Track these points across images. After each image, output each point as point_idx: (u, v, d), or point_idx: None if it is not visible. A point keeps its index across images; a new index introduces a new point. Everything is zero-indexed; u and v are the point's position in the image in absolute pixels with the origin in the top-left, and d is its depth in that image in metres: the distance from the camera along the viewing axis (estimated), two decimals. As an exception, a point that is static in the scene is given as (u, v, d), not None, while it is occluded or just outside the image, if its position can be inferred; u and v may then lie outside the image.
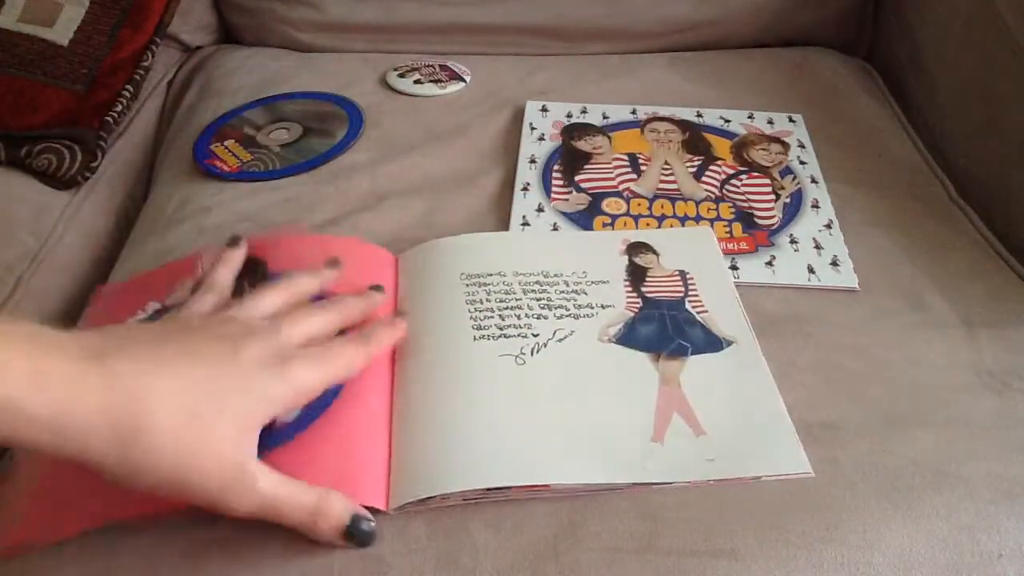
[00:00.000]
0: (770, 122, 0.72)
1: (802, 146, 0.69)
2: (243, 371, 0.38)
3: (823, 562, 0.40)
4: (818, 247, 0.58)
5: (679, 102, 0.74)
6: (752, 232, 0.60)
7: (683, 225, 0.60)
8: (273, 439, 0.42)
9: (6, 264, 0.61)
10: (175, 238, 0.61)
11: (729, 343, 0.50)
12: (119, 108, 0.72)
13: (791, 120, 0.72)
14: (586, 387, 0.48)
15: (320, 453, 0.43)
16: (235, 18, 0.87)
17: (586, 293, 0.53)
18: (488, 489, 0.42)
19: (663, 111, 0.72)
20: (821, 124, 0.72)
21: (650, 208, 0.62)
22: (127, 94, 0.72)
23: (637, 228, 0.60)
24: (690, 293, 0.54)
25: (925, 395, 0.48)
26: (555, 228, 0.60)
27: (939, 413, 0.47)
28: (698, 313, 0.52)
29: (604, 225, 0.60)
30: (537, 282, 0.54)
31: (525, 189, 0.64)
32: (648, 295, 0.53)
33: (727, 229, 0.60)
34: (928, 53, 0.78)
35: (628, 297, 0.53)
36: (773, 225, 0.61)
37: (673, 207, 0.62)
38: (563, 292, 0.53)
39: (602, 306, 0.52)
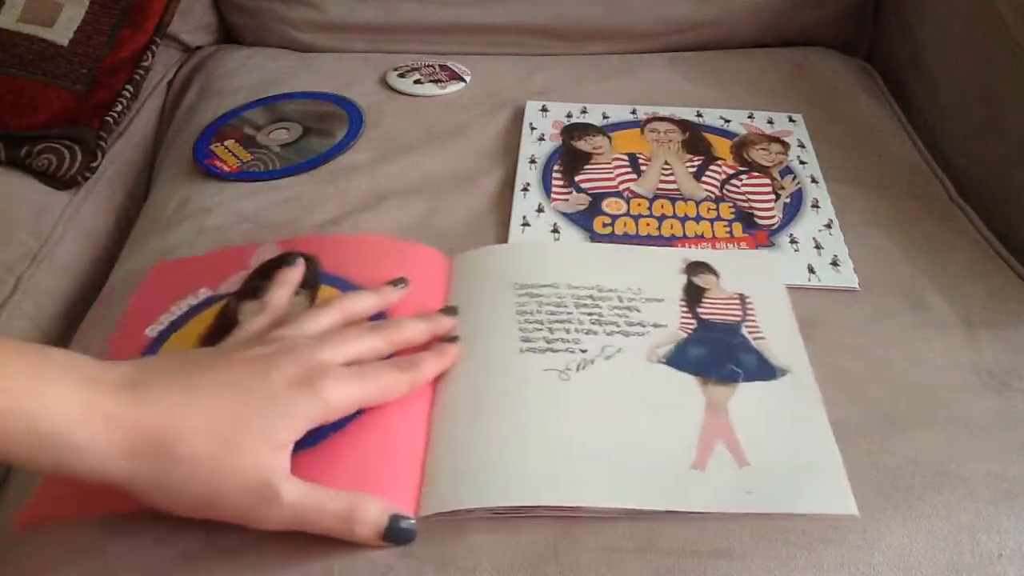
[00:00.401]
0: (770, 122, 0.72)
1: (802, 146, 0.69)
2: (272, 391, 0.39)
3: (823, 562, 0.40)
4: (818, 247, 0.58)
5: (679, 102, 0.74)
6: (752, 232, 0.60)
7: (683, 225, 0.60)
8: (305, 441, 0.41)
9: (6, 264, 0.61)
10: (175, 238, 0.61)
11: (784, 372, 0.48)
12: (119, 108, 0.72)
13: (791, 120, 0.72)
14: (629, 408, 0.46)
15: (351, 456, 0.43)
16: (235, 18, 0.87)
17: (639, 310, 0.52)
18: (518, 506, 0.42)
19: (663, 111, 0.72)
20: (821, 124, 0.72)
21: (650, 208, 0.62)
22: (127, 94, 0.72)
23: (638, 229, 0.60)
24: (748, 318, 0.52)
25: (925, 395, 0.48)
26: (555, 229, 0.60)
27: (939, 413, 0.47)
28: (754, 339, 0.50)
29: (604, 226, 0.60)
30: (590, 296, 0.53)
31: (525, 189, 0.64)
32: (703, 317, 0.52)
33: (727, 229, 0.60)
34: (928, 53, 0.78)
35: (682, 317, 0.52)
36: (773, 225, 0.61)
37: (673, 207, 0.62)
38: (616, 308, 0.52)
39: (654, 325, 0.51)
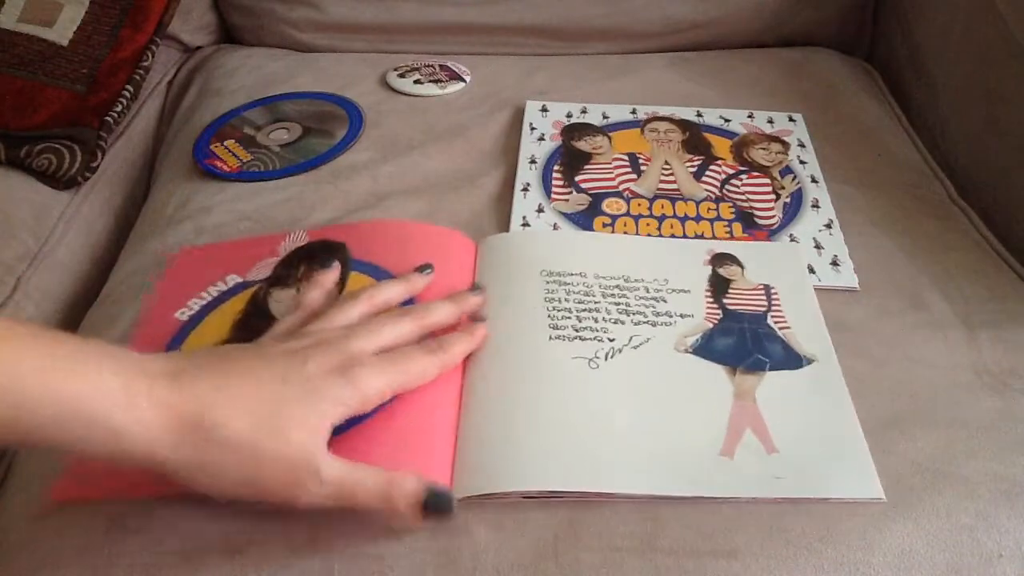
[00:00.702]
0: (770, 122, 0.72)
1: (802, 146, 0.69)
2: (308, 381, 0.40)
3: (823, 562, 0.40)
4: (818, 247, 0.58)
5: (679, 102, 0.74)
6: (752, 232, 0.60)
7: (683, 225, 0.60)
8: (337, 427, 0.43)
9: (6, 264, 0.61)
10: (175, 238, 0.61)
11: (809, 361, 0.49)
12: (119, 108, 0.72)
13: (791, 120, 0.72)
14: (658, 396, 0.47)
15: (385, 441, 0.43)
16: (235, 18, 0.87)
17: (666, 301, 0.53)
18: (550, 491, 0.42)
19: (663, 111, 0.72)
20: (821, 124, 0.72)
21: (650, 208, 0.62)
22: (127, 94, 0.72)
23: (638, 229, 0.60)
24: (773, 308, 0.53)
25: (925, 395, 0.48)
26: (555, 229, 0.60)
27: (939, 413, 0.47)
28: (779, 329, 0.51)
29: (604, 226, 0.60)
30: (617, 286, 0.54)
31: (525, 189, 0.64)
32: (729, 307, 0.53)
33: (727, 229, 0.60)
34: (928, 53, 0.78)
35: (708, 308, 0.52)
36: (773, 225, 0.61)
37: (673, 207, 0.62)
38: (643, 298, 0.53)
39: (681, 315, 0.52)
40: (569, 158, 0.67)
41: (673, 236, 0.59)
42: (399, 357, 0.44)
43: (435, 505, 0.40)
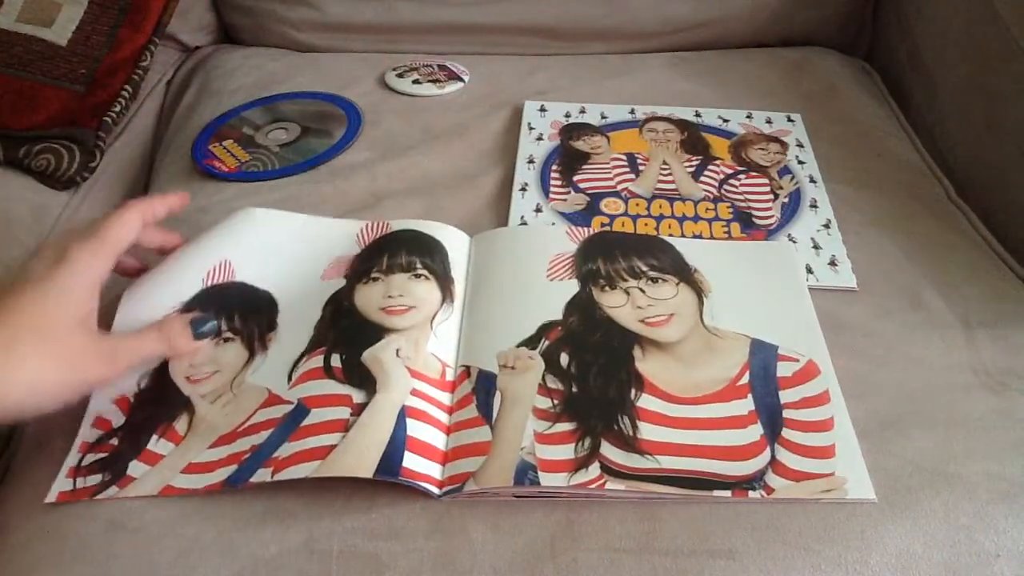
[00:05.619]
0: (768, 122, 0.72)
1: (800, 146, 0.69)
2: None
3: (821, 562, 0.40)
4: (816, 247, 0.58)
5: (678, 102, 0.74)
6: (750, 232, 0.60)
7: (681, 225, 0.60)
8: None
9: (6, 264, 0.61)
10: (174, 238, 0.61)
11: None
12: (118, 108, 0.72)
13: (790, 120, 0.72)
14: None
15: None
16: (234, 18, 0.87)
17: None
18: (541, 489, 0.42)
19: (661, 111, 0.72)
20: (820, 124, 0.72)
21: (648, 208, 0.62)
22: (126, 94, 0.72)
23: (636, 229, 0.60)
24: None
25: (923, 395, 0.48)
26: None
27: (938, 413, 0.47)
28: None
29: (603, 225, 0.60)
30: None
31: (523, 189, 0.64)
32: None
33: (725, 229, 0.60)
34: (928, 53, 0.78)
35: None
36: (771, 225, 0.61)
37: (671, 207, 0.62)
38: None
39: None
40: (567, 158, 0.67)
41: (671, 236, 0.59)
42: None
43: (202, 332, 0.48)
